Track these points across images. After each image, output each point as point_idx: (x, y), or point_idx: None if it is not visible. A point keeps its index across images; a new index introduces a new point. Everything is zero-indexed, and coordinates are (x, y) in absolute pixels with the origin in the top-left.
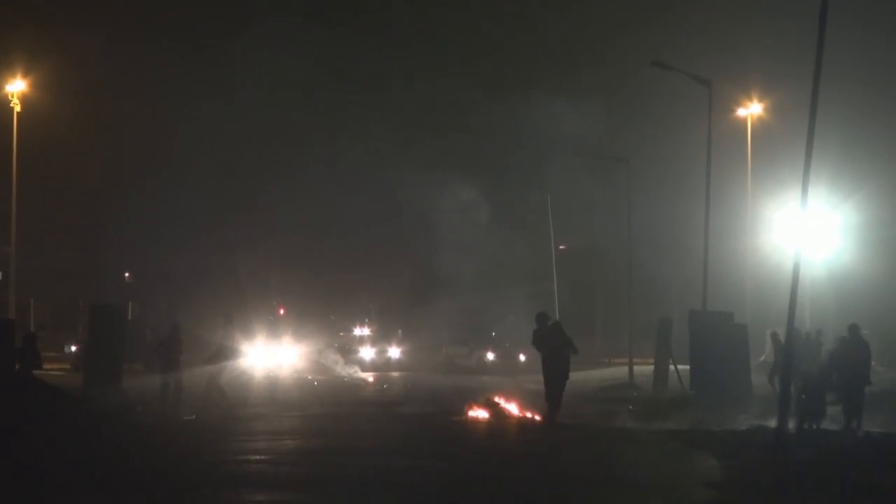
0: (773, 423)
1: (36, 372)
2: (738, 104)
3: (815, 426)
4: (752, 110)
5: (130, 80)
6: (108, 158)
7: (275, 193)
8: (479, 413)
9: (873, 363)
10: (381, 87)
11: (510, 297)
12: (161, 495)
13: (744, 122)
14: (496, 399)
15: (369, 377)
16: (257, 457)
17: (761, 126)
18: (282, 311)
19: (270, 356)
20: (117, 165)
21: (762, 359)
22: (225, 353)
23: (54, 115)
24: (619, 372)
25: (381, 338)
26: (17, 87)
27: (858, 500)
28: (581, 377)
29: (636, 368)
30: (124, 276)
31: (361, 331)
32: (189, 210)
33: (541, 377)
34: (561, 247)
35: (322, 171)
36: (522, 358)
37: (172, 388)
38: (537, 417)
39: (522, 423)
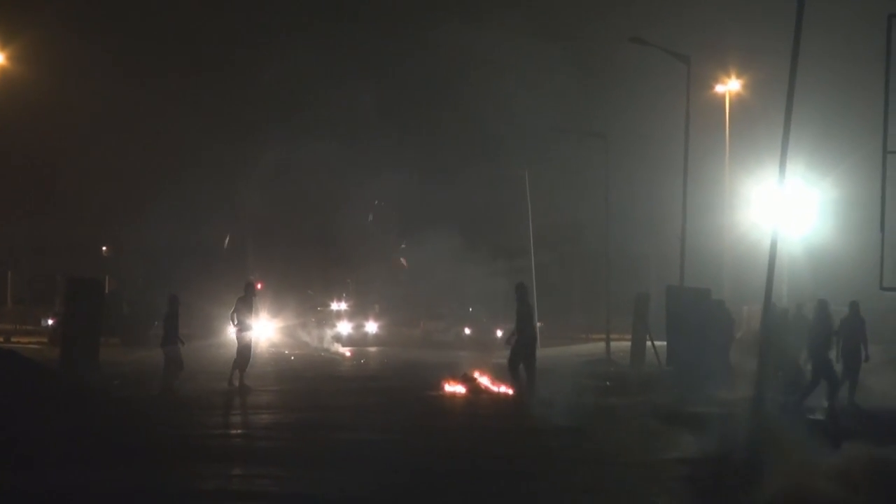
0: (750, 399)
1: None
2: (717, 80)
3: (795, 401)
4: (730, 87)
5: (109, 51)
6: (87, 132)
7: (251, 164)
8: (455, 388)
9: None
10: (359, 63)
11: (487, 272)
12: (138, 468)
13: (722, 98)
14: (472, 374)
15: (346, 352)
16: (234, 431)
17: (740, 102)
18: (259, 286)
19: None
20: (95, 139)
21: (738, 335)
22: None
23: (32, 89)
24: (596, 348)
25: (358, 312)
26: None
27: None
28: (558, 353)
29: (613, 344)
30: (101, 250)
31: (339, 305)
32: (166, 183)
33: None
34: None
35: (299, 144)
36: (499, 333)
37: (173, 362)
38: (511, 392)
39: (498, 398)
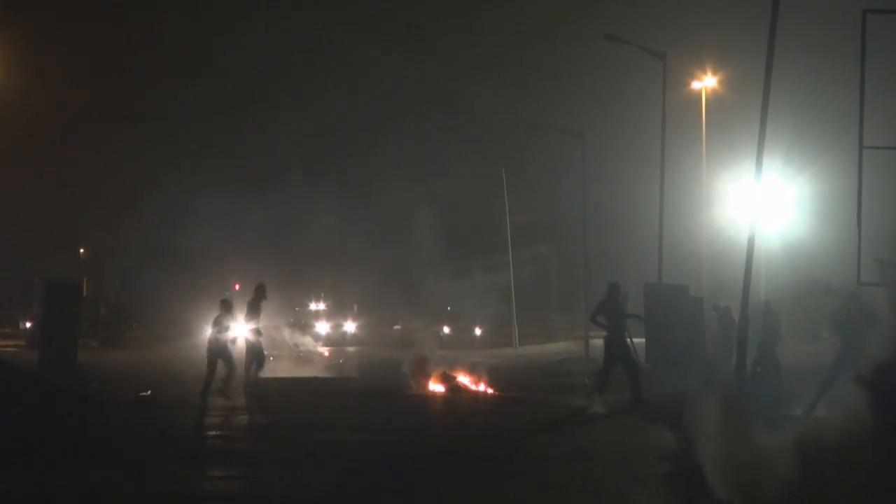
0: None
1: None
2: (693, 77)
3: (771, 399)
4: (706, 83)
5: (86, 54)
6: (63, 134)
7: (230, 167)
8: (434, 387)
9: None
10: (337, 68)
11: (465, 270)
12: (117, 471)
13: (698, 94)
14: (450, 373)
15: (325, 352)
16: (213, 433)
17: (716, 99)
18: (237, 287)
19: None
20: (72, 141)
21: None
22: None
23: (8, 91)
24: (574, 346)
25: (336, 312)
26: None
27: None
28: (536, 350)
29: (592, 342)
30: (79, 252)
31: (317, 305)
32: (144, 185)
33: (491, 351)
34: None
35: (280, 145)
36: (478, 332)
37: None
38: (490, 391)
39: (476, 396)
